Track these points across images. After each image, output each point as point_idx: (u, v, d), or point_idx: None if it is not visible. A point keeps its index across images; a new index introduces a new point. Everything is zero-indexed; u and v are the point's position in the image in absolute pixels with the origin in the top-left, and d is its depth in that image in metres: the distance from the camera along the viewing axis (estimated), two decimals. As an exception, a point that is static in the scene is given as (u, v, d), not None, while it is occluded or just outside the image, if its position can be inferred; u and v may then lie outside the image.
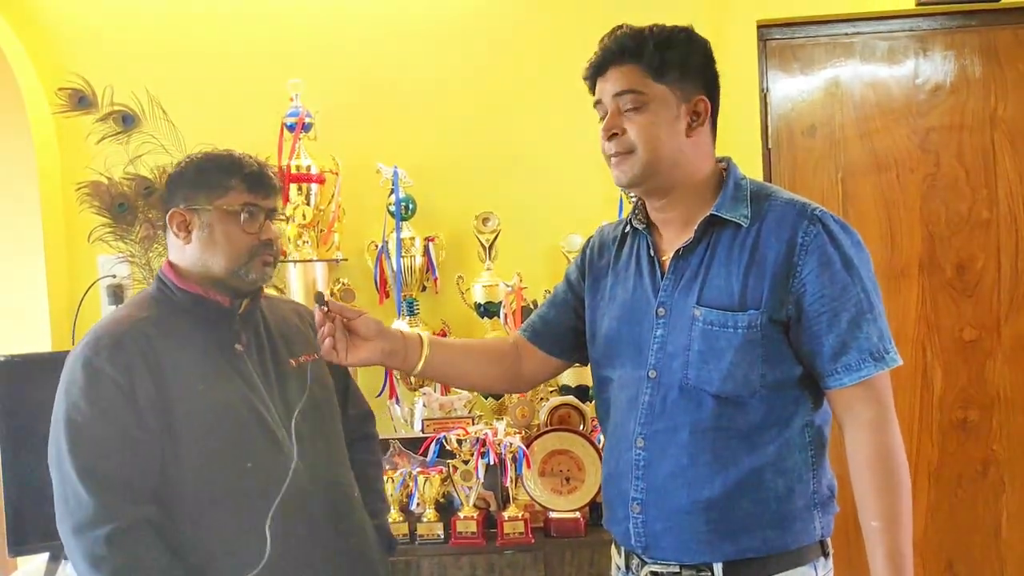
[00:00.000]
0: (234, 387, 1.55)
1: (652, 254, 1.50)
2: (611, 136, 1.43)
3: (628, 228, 1.58)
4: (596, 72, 1.46)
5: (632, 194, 2.48)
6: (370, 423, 1.91)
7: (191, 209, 1.57)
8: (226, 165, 1.58)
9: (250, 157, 1.62)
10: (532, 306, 2.47)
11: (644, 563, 1.47)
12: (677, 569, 1.43)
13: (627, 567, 1.51)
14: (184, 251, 1.59)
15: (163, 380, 1.49)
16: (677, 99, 1.42)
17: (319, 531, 1.57)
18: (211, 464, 1.49)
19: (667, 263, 1.47)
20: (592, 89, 1.50)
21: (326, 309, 1.48)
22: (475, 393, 2.58)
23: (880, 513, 1.36)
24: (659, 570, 1.44)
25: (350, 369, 1.86)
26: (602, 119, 1.47)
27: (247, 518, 1.49)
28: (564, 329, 1.67)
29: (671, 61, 1.41)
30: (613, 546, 1.58)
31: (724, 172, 1.49)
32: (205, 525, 1.48)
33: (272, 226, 1.61)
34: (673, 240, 1.49)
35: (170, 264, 1.62)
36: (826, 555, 1.46)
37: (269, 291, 1.74)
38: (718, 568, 1.40)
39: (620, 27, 1.46)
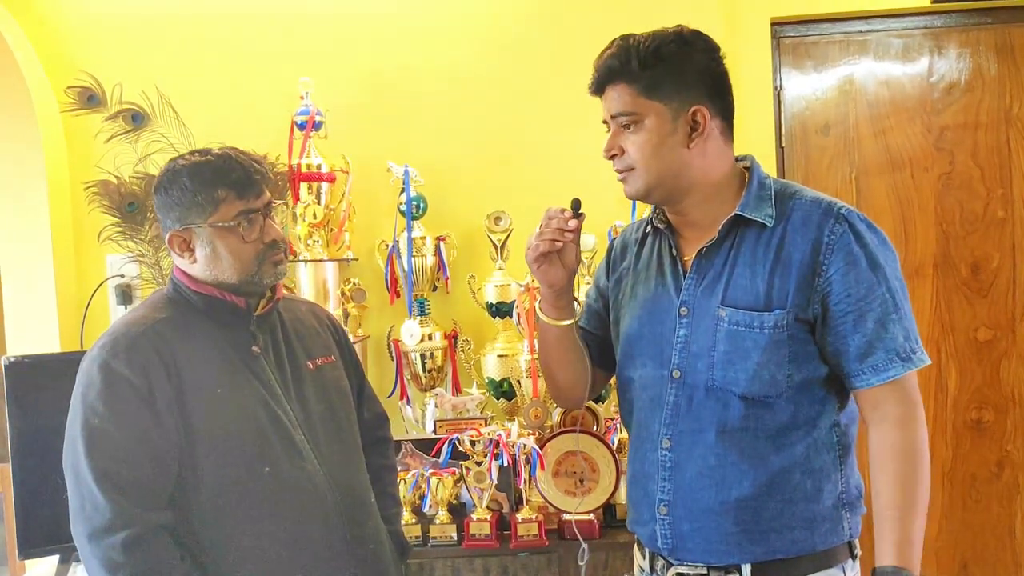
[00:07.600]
0: (251, 390, 1.52)
1: (674, 254, 1.48)
2: (611, 156, 1.44)
3: (649, 229, 1.56)
4: (596, 92, 1.45)
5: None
6: (385, 426, 1.89)
7: (187, 228, 1.51)
8: (209, 178, 1.49)
9: (231, 156, 1.53)
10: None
11: (670, 565, 1.45)
12: (704, 571, 1.41)
13: (652, 569, 1.50)
14: (192, 268, 1.54)
15: (181, 382, 1.46)
16: (672, 112, 1.39)
17: (335, 535, 1.55)
18: (228, 468, 1.47)
19: (689, 262, 1.46)
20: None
21: (583, 217, 1.47)
22: (487, 394, 2.57)
23: (895, 503, 1.34)
24: (686, 572, 1.43)
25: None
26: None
27: (264, 523, 1.47)
28: (602, 339, 1.62)
29: (661, 75, 1.39)
30: (636, 548, 1.56)
31: (747, 171, 1.48)
32: (221, 530, 1.45)
33: (273, 225, 1.55)
34: (695, 240, 1.47)
35: (181, 270, 1.57)
36: (854, 557, 1.44)
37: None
38: (746, 570, 1.39)
39: (611, 43, 1.43)
